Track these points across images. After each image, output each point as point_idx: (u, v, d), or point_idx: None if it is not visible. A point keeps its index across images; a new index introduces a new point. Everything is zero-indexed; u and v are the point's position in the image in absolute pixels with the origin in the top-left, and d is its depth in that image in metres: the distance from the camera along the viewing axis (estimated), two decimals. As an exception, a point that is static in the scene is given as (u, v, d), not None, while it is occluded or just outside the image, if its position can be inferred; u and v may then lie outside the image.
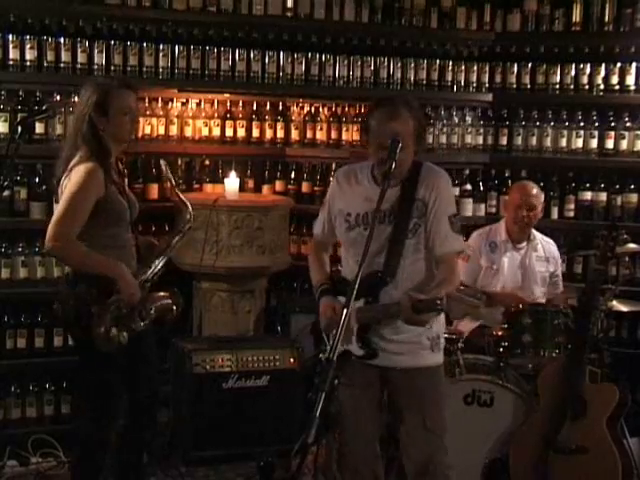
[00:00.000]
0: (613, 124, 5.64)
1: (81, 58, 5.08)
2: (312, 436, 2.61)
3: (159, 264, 3.85)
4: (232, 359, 4.85)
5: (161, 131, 5.42)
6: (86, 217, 3.64)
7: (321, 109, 5.80)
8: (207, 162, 5.60)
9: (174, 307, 3.87)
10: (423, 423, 3.48)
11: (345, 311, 2.83)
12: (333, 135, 5.75)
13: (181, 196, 4.01)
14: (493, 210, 5.79)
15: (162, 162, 4.03)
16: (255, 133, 5.64)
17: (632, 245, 4.77)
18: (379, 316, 3.42)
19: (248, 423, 4.85)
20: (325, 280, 3.62)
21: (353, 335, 3.46)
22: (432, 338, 3.50)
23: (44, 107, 4.36)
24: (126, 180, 3.96)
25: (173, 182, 4.04)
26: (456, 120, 5.80)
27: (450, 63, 5.77)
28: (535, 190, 4.99)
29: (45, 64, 5.03)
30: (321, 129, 5.73)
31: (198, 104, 5.60)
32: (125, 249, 3.78)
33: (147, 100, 5.36)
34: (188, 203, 3.98)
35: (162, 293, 3.86)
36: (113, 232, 3.73)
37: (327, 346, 3.54)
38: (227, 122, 5.59)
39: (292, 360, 4.95)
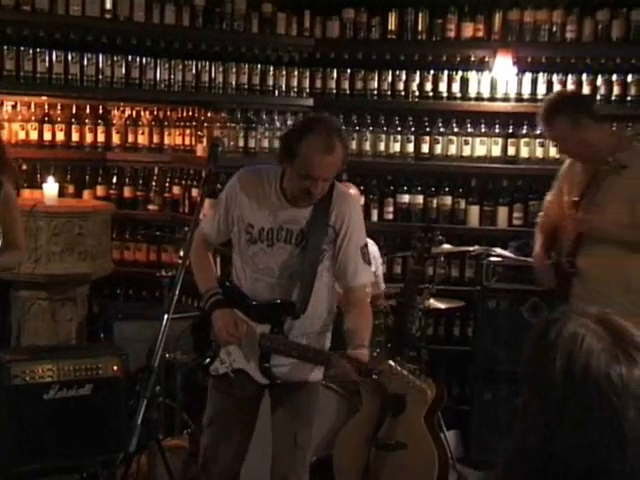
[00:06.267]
0: (428, 129, 5.84)
1: None
2: (134, 445, 2.60)
3: None
4: (53, 369, 4.71)
5: (-26, 134, 5.22)
6: None
7: (142, 113, 5.75)
8: (24, 167, 5.43)
9: None
10: (294, 439, 3.43)
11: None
12: (155, 139, 5.72)
13: None
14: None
15: None
16: (75, 137, 5.54)
17: (447, 246, 4.98)
18: (292, 353, 3.29)
19: (71, 434, 4.72)
20: (216, 288, 3.41)
21: (254, 358, 3.34)
22: None
23: None
24: None
25: None
26: (278, 124, 5.84)
27: (271, 68, 5.80)
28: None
29: None
30: (143, 133, 5.69)
31: (14, 107, 5.44)
32: None
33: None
34: None
35: None
36: None
37: (224, 362, 3.40)
38: (45, 126, 5.46)
39: (115, 368, 4.85)
